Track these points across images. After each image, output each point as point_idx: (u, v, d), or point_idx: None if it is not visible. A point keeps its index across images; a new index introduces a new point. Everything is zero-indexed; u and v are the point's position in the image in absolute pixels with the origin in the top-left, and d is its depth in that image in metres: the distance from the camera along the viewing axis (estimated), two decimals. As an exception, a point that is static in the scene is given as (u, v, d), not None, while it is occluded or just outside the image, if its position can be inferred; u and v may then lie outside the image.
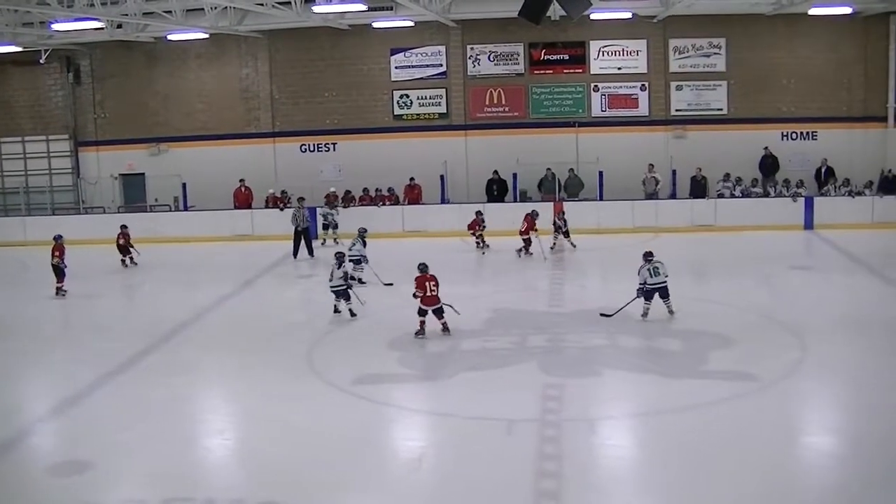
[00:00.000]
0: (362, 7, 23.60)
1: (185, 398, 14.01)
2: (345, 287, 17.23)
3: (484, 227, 23.70)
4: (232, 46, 29.65)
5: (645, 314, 16.34)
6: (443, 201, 27.72)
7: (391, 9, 25.93)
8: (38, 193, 31.33)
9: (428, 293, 15.57)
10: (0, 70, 31.27)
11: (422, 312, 15.64)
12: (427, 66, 28.92)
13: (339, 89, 29.43)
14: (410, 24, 27.24)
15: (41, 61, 29.45)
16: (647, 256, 16.46)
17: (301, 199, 25.18)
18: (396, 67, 29.06)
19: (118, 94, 30.91)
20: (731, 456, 10.57)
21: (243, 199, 28.26)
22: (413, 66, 28.97)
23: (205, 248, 26.63)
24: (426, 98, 29.03)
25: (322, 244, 25.82)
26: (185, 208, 28.88)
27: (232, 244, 27.08)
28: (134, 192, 30.73)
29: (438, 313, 15.66)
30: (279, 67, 29.85)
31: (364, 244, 20.25)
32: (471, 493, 10.03)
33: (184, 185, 28.56)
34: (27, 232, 28.06)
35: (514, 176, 27.21)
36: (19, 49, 28.29)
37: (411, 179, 27.50)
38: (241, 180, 28.26)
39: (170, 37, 27.84)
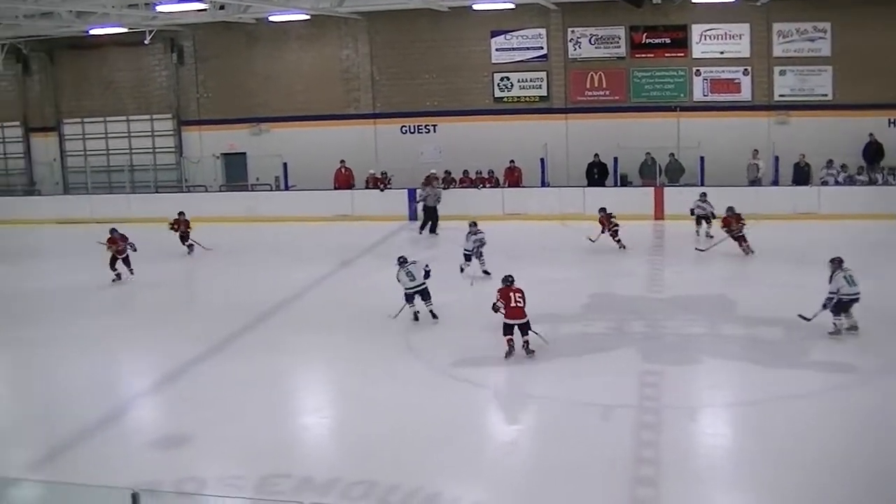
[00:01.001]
0: (460, -13, 24.44)
1: (284, 376, 14.91)
2: (417, 288, 16.72)
3: (615, 226, 22.77)
4: (332, 28, 31.34)
5: (837, 331, 15.02)
6: (542, 184, 28.97)
7: (491, -9, 27.14)
8: (143, 171, 33.62)
9: (513, 304, 14.50)
10: (106, 51, 33.59)
11: (507, 330, 14.57)
12: (527, 48, 30.21)
13: (438, 71, 30.89)
14: (511, 6, 28.61)
15: (145, 42, 31.45)
16: (838, 262, 15.09)
17: (432, 178, 27.11)
18: (497, 50, 30.44)
19: (220, 74, 33.00)
20: (831, 448, 10.89)
21: (344, 181, 29.96)
22: (513, 49, 30.32)
23: (304, 228, 28.15)
24: (527, 81, 30.34)
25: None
26: (286, 188, 30.82)
27: (331, 224, 28.53)
28: (235, 171, 32.78)
29: (524, 329, 14.58)
30: (379, 49, 31.45)
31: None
32: (567, 477, 10.42)
33: (284, 165, 30.50)
34: (132, 209, 30.14)
35: (615, 160, 28.44)
36: (124, 30, 30.25)
37: (511, 162, 28.92)
38: (342, 161, 29.92)
39: (271, 18, 29.66)
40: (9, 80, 35.28)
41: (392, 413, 12.82)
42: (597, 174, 28.63)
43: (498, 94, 30.63)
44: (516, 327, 14.53)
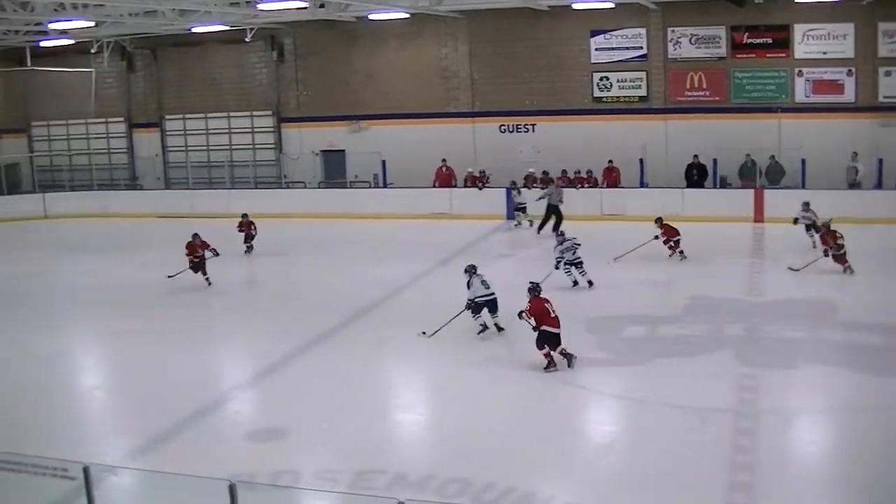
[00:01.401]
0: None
1: (380, 372, 15.46)
2: (489, 297, 16.57)
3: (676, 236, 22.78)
4: (431, 26, 32.31)
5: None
6: (641, 185, 29.57)
7: (593, -11, 27.76)
8: (242, 167, 35.13)
9: (551, 314, 14.52)
10: (207, 48, 35.23)
11: (550, 339, 14.52)
12: (627, 48, 30.77)
13: (537, 70, 31.60)
14: (611, 5, 29.12)
15: (247, 40, 32.85)
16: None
17: (548, 178, 28.32)
18: (596, 49, 31.06)
19: (320, 71, 34.33)
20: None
21: (445, 179, 30.96)
22: (613, 49, 30.91)
23: (402, 225, 29.09)
24: (626, 81, 30.91)
25: (516, 226, 28.35)
26: (385, 185, 31.91)
27: (430, 222, 29.49)
28: (334, 168, 34.06)
29: (558, 339, 14.60)
30: (478, 48, 32.33)
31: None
32: (661, 480, 10.59)
33: (383, 163, 31.67)
34: (231, 204, 31.29)
35: (714, 161, 28.82)
36: (226, 28, 31.58)
37: (610, 162, 29.57)
38: (444, 160, 30.92)
39: (371, 16, 30.61)
40: (114, 77, 37.22)
41: (487, 412, 13.20)
42: (696, 175, 29.03)
43: (597, 93, 31.23)
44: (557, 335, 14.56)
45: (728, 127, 29.38)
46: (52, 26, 28.82)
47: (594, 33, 30.94)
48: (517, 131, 32.13)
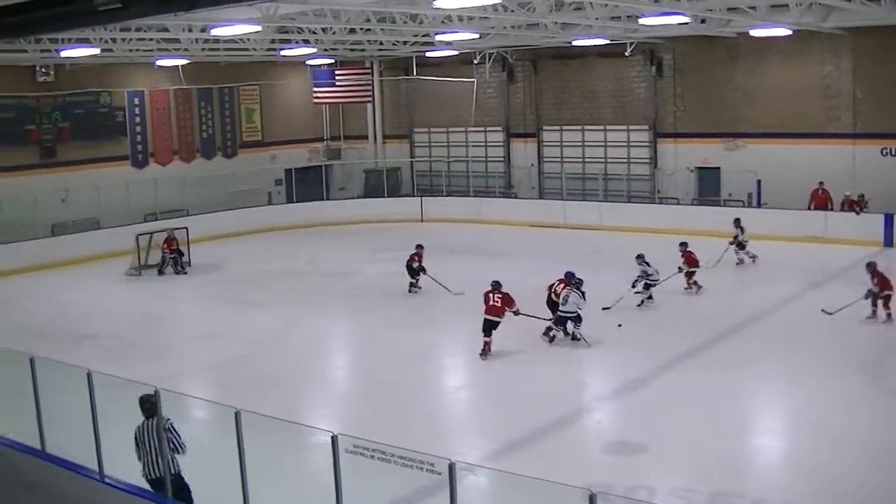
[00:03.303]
0: (958, 1, 25.73)
1: (744, 393, 16.87)
2: (569, 315, 20.40)
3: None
4: (814, 43, 34.37)
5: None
6: None
7: None
8: (616, 181, 39.24)
9: (491, 302, 20.03)
10: (586, 61, 39.78)
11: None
12: None
13: (925, 91, 33.11)
14: None
15: (626, 54, 37.13)
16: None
17: None
18: None
19: (697, 87, 37.78)
20: None
21: (821, 201, 33.22)
22: None
23: (774, 246, 30.95)
24: None
25: None
26: (758, 205, 34.90)
27: (802, 244, 31.46)
28: (708, 185, 37.39)
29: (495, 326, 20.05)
30: (862, 66, 34.05)
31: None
32: None
33: (758, 182, 34.68)
34: (602, 217, 35.72)
35: None
36: (606, 42, 35.43)
37: None
38: (821, 182, 33.21)
39: (752, 32, 32.82)
40: (494, 87, 42.91)
41: (852, 445, 13.93)
42: None
43: None
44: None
45: None
46: (438, 38, 33.83)
47: None
48: (901, 155, 33.77)
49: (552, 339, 20.73)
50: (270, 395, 17.15)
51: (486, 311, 20.03)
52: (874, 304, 21.85)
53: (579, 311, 20.54)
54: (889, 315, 21.79)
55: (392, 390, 17.99)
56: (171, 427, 11.34)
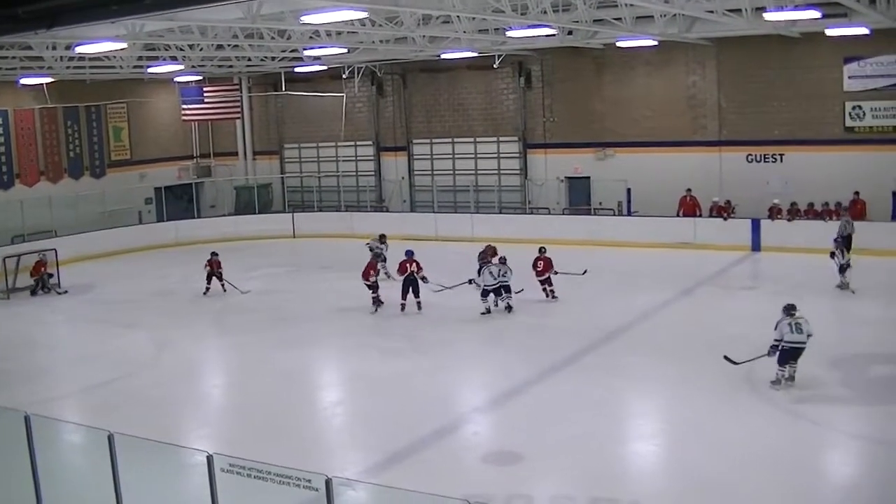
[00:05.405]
0: (816, 14, 25.92)
1: (618, 400, 17.12)
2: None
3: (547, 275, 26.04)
4: (679, 54, 35.30)
5: (778, 381, 16.94)
6: (893, 218, 31.60)
7: (845, 15, 29.25)
8: (487, 192, 39.63)
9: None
10: (456, 74, 40.10)
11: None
12: (883, 75, 32.53)
13: (787, 99, 33.82)
14: (866, 31, 30.50)
15: (494, 66, 37.43)
16: (787, 309, 16.92)
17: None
18: (849, 77, 32.99)
19: (566, 98, 38.37)
20: None
21: (690, 208, 34.04)
22: (867, 76, 32.80)
23: (645, 254, 32.00)
24: (881, 110, 32.70)
25: None
26: (629, 213, 35.55)
27: (672, 251, 32.24)
28: (578, 194, 37.97)
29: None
30: (727, 75, 35.10)
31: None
32: None
33: (628, 191, 35.39)
34: (475, 229, 35.88)
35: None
36: (475, 54, 35.54)
37: (856, 194, 31.60)
38: (688, 189, 34.01)
39: (619, 43, 33.59)
40: (363, 101, 42.89)
41: (725, 446, 14.35)
42: (953, 210, 30.81)
43: (849, 122, 33.15)
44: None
45: None
46: (306, 53, 33.73)
47: (847, 60, 32.69)
48: (765, 161, 34.39)
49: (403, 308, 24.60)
50: (145, 417, 16.98)
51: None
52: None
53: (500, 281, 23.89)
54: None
55: (268, 408, 17.89)
56: None
